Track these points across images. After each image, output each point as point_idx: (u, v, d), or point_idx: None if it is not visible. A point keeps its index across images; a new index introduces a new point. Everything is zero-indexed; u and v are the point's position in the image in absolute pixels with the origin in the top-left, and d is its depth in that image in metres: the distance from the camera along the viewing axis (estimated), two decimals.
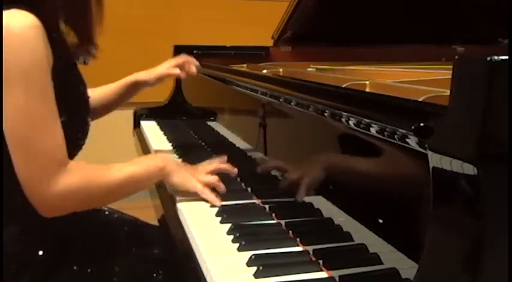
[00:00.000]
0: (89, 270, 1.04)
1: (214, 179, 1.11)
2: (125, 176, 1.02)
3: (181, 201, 1.08)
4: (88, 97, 1.10)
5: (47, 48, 0.92)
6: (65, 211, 0.99)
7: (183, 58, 1.43)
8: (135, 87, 1.45)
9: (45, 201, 0.94)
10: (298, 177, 1.06)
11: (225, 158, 1.20)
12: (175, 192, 1.12)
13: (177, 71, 1.40)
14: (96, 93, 1.38)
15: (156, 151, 1.47)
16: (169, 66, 1.41)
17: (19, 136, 0.90)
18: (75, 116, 1.03)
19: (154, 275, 1.08)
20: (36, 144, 0.91)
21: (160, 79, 1.42)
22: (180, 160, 1.43)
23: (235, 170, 1.16)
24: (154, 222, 1.26)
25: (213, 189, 1.10)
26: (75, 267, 1.03)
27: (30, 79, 0.89)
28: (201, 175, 1.11)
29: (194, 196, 1.08)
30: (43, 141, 0.91)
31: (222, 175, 1.15)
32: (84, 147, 1.12)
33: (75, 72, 1.07)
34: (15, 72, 0.88)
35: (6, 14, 0.89)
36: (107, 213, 1.22)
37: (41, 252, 1.00)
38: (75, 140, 1.04)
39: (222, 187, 1.11)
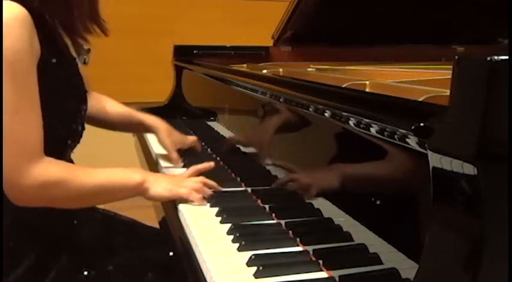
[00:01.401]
0: (85, 272, 1.04)
1: (198, 185, 1.08)
2: (103, 182, 1.00)
3: (181, 201, 1.08)
4: (85, 91, 1.09)
5: (34, 40, 0.91)
6: (35, 202, 0.96)
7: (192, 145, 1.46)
8: (145, 129, 1.46)
9: (16, 189, 0.92)
10: (298, 177, 1.05)
11: (212, 164, 1.17)
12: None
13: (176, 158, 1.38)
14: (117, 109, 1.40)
15: (157, 155, 1.47)
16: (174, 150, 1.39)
17: None
18: (67, 108, 1.02)
19: (154, 276, 1.08)
20: (10, 132, 0.89)
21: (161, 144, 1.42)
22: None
23: (220, 189, 1.12)
24: (154, 222, 1.25)
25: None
26: (70, 268, 1.02)
27: (12, 68, 0.88)
28: (184, 182, 1.09)
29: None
30: (17, 130, 0.89)
31: (222, 174, 1.14)
32: (84, 147, 1.12)
33: (69, 66, 1.05)
34: None
35: None
36: (103, 213, 1.21)
37: (33, 252, 0.99)
38: (69, 129, 1.04)
39: (207, 191, 1.08)
